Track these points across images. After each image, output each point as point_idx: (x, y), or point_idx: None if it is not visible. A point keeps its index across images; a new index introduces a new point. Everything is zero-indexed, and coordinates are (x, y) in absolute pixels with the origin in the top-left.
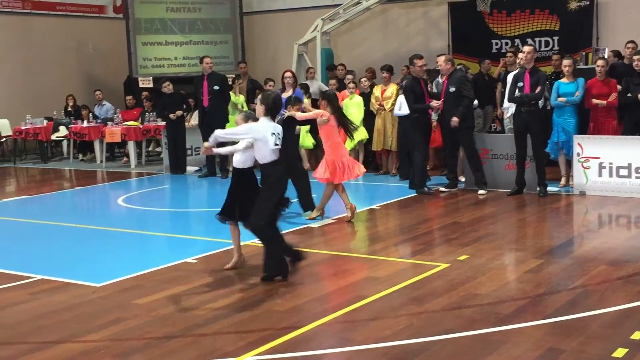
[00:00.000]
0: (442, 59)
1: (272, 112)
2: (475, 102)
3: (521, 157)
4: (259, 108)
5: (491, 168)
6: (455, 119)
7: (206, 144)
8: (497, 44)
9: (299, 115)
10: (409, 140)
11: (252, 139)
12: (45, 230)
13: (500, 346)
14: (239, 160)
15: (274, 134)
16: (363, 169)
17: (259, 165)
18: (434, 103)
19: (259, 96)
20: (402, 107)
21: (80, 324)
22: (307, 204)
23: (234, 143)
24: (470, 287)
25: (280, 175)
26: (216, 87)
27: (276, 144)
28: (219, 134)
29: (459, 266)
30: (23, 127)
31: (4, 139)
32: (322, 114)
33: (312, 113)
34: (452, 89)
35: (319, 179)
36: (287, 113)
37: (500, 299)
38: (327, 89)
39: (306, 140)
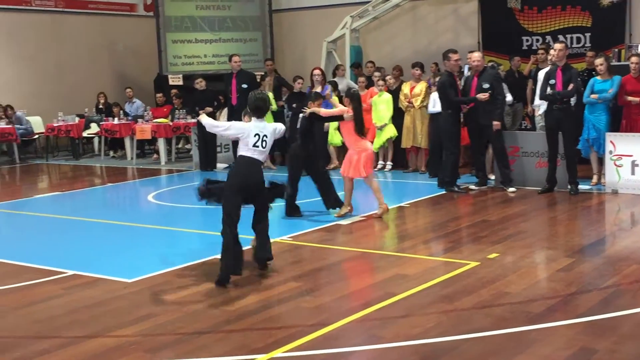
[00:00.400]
0: (479, 55)
1: (256, 112)
2: (510, 97)
3: (553, 155)
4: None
5: (521, 166)
6: (497, 123)
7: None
8: (527, 40)
9: (322, 112)
10: (442, 137)
11: (235, 134)
12: (77, 226)
13: (531, 345)
14: None
15: (257, 134)
16: (364, 173)
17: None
18: (481, 95)
19: None
20: (436, 104)
21: (112, 318)
22: (329, 202)
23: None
24: (501, 285)
25: (240, 170)
26: (244, 85)
27: (256, 145)
28: (204, 121)
29: (489, 264)
30: (55, 124)
31: (36, 136)
32: (347, 110)
33: (337, 109)
34: (486, 86)
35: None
36: (309, 110)
37: (531, 298)
38: (356, 87)
39: (335, 137)
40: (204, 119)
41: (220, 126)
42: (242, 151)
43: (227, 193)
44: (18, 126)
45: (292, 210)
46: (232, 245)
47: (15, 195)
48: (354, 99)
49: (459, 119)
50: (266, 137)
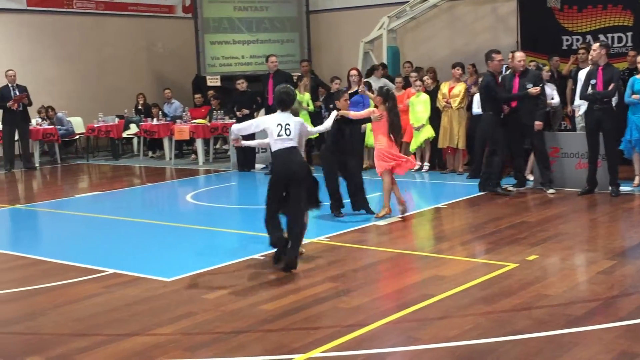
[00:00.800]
0: (522, 55)
1: (280, 105)
2: (557, 99)
3: (593, 156)
4: None
5: (561, 167)
6: (539, 123)
7: (232, 136)
8: (567, 40)
9: (352, 115)
10: (488, 138)
11: (262, 128)
12: (117, 225)
13: (571, 348)
14: None
15: (279, 124)
16: (380, 169)
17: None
18: (533, 90)
19: None
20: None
21: (151, 317)
22: (356, 203)
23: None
24: (540, 287)
25: (277, 163)
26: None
27: (280, 135)
28: (234, 127)
29: (528, 266)
30: (96, 125)
31: (77, 137)
32: (374, 111)
33: (365, 111)
34: (529, 86)
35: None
36: (340, 113)
37: (571, 300)
38: (393, 86)
39: (370, 138)
40: (234, 127)
41: (251, 125)
42: (273, 146)
43: (269, 190)
44: (59, 127)
45: (336, 208)
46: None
47: (57, 194)
48: (385, 97)
49: (502, 120)
50: (289, 125)
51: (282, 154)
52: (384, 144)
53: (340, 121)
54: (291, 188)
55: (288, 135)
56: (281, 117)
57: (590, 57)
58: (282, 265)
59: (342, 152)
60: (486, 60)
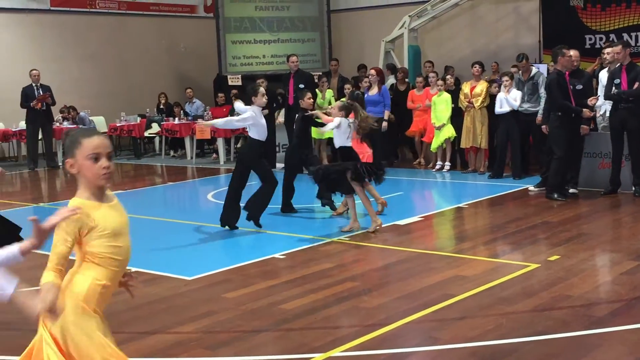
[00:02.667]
0: (577, 53)
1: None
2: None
3: (617, 156)
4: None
5: (585, 167)
6: (585, 127)
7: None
8: (590, 39)
9: (324, 118)
10: (551, 139)
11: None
12: (139, 223)
13: (594, 349)
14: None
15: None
16: None
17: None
18: (592, 100)
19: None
20: (503, 105)
21: (172, 315)
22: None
23: None
24: (562, 288)
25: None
26: (301, 85)
27: None
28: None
29: (549, 266)
30: (118, 124)
31: None
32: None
33: (328, 117)
34: (580, 87)
35: None
36: (312, 113)
37: (594, 301)
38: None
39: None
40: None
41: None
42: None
43: None
44: (82, 126)
45: (287, 208)
46: None
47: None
48: (353, 109)
49: (570, 121)
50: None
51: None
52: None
53: (305, 121)
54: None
55: None
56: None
57: (611, 56)
58: None
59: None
60: (555, 56)
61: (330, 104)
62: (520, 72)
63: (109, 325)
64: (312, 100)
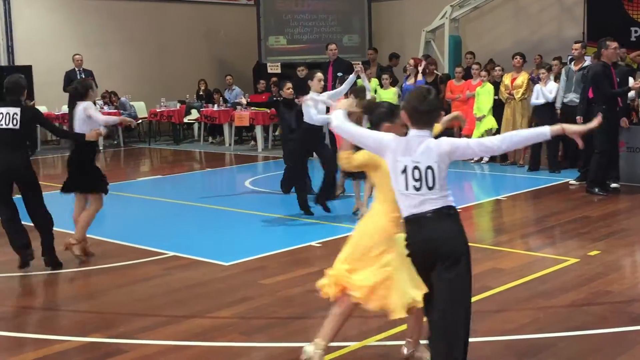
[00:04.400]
0: (616, 44)
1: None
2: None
3: None
4: None
5: (627, 161)
6: (625, 120)
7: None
8: (636, 31)
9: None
10: (600, 136)
11: None
12: (177, 209)
13: (634, 346)
14: None
15: None
16: None
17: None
18: (635, 84)
19: None
20: (540, 97)
21: (209, 300)
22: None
23: None
24: (602, 283)
25: None
26: (340, 73)
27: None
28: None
29: (589, 261)
30: (158, 110)
31: (140, 121)
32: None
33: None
34: (618, 79)
35: None
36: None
37: (634, 298)
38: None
39: None
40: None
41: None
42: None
43: None
44: (122, 111)
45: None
46: None
47: (119, 177)
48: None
49: (613, 115)
50: None
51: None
52: None
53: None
54: None
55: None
56: None
57: None
58: None
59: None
60: (599, 48)
61: (376, 92)
62: (572, 61)
63: None
64: (291, 90)
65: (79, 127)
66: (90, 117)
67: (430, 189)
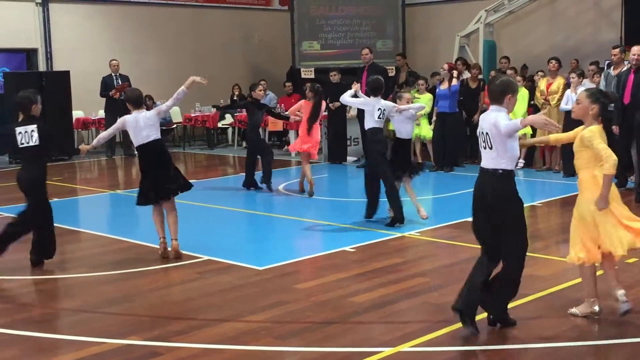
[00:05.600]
0: (638, 49)
1: (372, 92)
2: None
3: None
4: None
5: None
6: None
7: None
8: None
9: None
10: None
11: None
12: (211, 213)
13: None
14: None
15: (379, 109)
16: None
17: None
18: None
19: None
20: (569, 102)
21: (244, 304)
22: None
23: None
24: None
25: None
26: (376, 77)
27: (380, 117)
28: (343, 98)
29: (627, 269)
30: (192, 115)
31: (174, 126)
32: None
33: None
34: None
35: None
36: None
37: None
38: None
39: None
40: (343, 97)
41: (353, 102)
42: (370, 124)
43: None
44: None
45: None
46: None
47: None
48: (318, 92)
49: None
50: (384, 110)
51: (377, 131)
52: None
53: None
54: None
55: (381, 119)
56: (379, 103)
57: None
58: None
59: None
60: None
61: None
62: (611, 67)
63: None
64: (262, 92)
65: None
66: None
67: None
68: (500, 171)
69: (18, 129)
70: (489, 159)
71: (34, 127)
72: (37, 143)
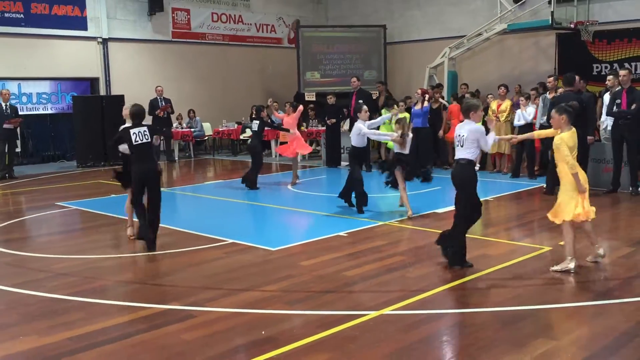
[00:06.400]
0: (626, 72)
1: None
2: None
3: (618, 162)
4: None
5: (590, 170)
6: (590, 138)
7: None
8: (597, 67)
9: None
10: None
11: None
12: (234, 206)
13: (596, 317)
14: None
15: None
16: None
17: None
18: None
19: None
20: (521, 119)
21: (260, 277)
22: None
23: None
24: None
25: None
26: (360, 101)
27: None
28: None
29: (560, 249)
30: (220, 129)
31: (206, 137)
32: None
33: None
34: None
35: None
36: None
37: (595, 279)
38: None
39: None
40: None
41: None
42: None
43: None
44: (195, 128)
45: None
46: None
47: (191, 181)
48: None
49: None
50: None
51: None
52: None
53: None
54: None
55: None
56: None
57: (619, 80)
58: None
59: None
60: (570, 81)
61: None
62: (547, 92)
63: None
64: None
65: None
66: None
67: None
68: (465, 161)
69: (132, 130)
70: (460, 153)
71: (144, 128)
72: (148, 140)
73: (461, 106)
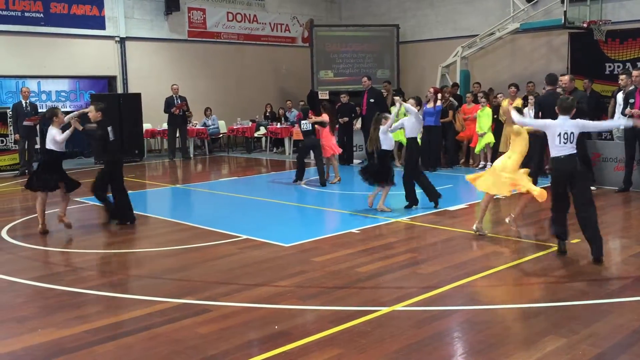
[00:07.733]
0: (638, 72)
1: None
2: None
3: (629, 161)
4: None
5: (601, 169)
6: None
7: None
8: (610, 66)
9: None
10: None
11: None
12: (248, 202)
13: (607, 315)
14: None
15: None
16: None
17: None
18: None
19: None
20: (527, 117)
21: (273, 273)
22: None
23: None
24: (581, 265)
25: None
26: (372, 100)
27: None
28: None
29: (572, 247)
30: (235, 127)
31: (221, 135)
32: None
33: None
34: (631, 100)
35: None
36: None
37: (608, 277)
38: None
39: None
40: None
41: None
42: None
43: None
44: (211, 126)
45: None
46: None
47: (205, 178)
48: (326, 108)
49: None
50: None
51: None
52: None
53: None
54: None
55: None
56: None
57: (631, 80)
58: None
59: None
60: (554, 81)
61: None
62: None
63: None
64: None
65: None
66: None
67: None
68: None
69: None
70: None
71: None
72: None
73: (561, 104)
